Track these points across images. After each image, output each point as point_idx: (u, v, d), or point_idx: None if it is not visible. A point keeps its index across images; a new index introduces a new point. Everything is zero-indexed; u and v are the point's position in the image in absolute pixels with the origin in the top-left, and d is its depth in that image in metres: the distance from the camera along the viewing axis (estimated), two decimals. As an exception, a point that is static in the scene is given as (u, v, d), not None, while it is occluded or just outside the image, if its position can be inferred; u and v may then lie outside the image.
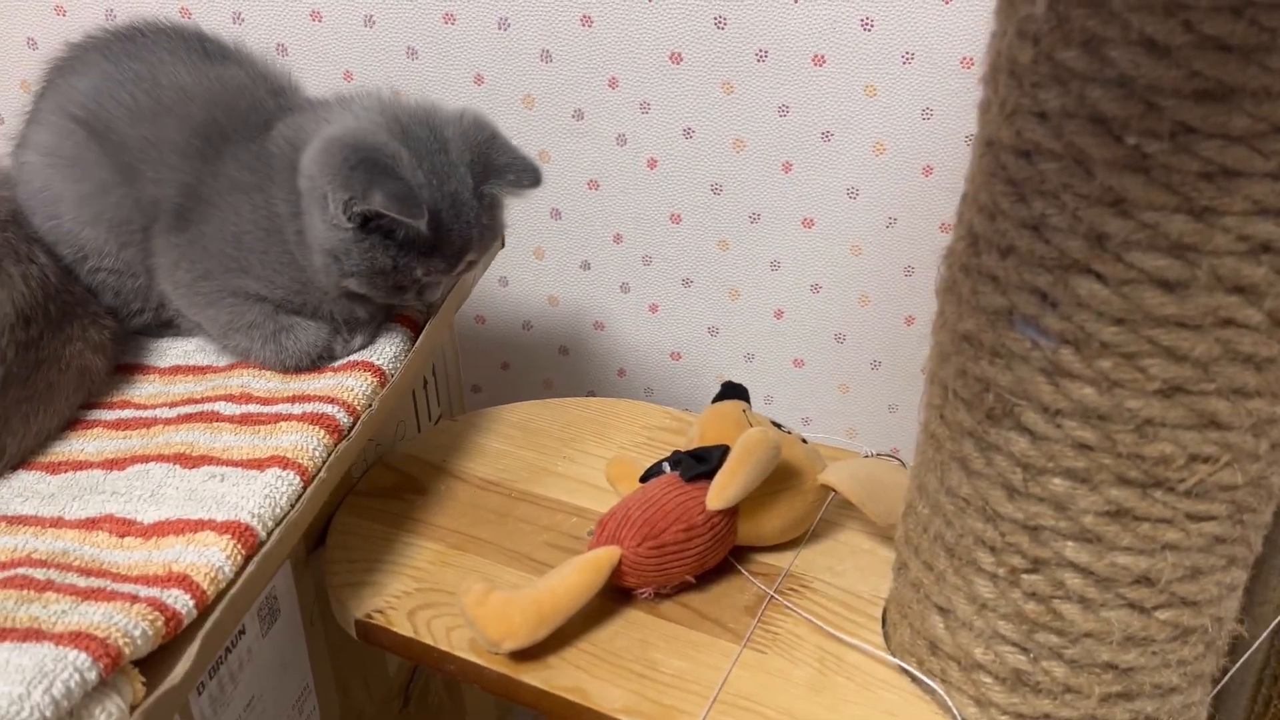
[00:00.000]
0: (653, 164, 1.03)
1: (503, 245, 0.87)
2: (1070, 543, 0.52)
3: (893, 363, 1.07)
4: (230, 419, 0.70)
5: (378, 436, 0.82)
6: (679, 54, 0.97)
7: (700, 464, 0.68)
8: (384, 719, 0.84)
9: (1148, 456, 0.49)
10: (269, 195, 0.71)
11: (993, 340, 0.51)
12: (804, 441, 0.73)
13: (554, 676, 0.62)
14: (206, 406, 0.72)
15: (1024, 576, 0.54)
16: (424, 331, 0.79)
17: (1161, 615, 0.53)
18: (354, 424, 0.70)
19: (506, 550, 0.73)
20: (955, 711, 0.58)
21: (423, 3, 1.00)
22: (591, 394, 1.20)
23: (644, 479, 0.71)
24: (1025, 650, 0.55)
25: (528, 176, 0.72)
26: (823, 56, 0.93)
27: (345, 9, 1.02)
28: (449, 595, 0.68)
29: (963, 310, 0.53)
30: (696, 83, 0.97)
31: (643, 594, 0.67)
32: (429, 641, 0.65)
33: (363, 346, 0.76)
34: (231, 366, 0.77)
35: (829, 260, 1.04)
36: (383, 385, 0.74)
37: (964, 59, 0.90)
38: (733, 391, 0.75)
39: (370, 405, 0.72)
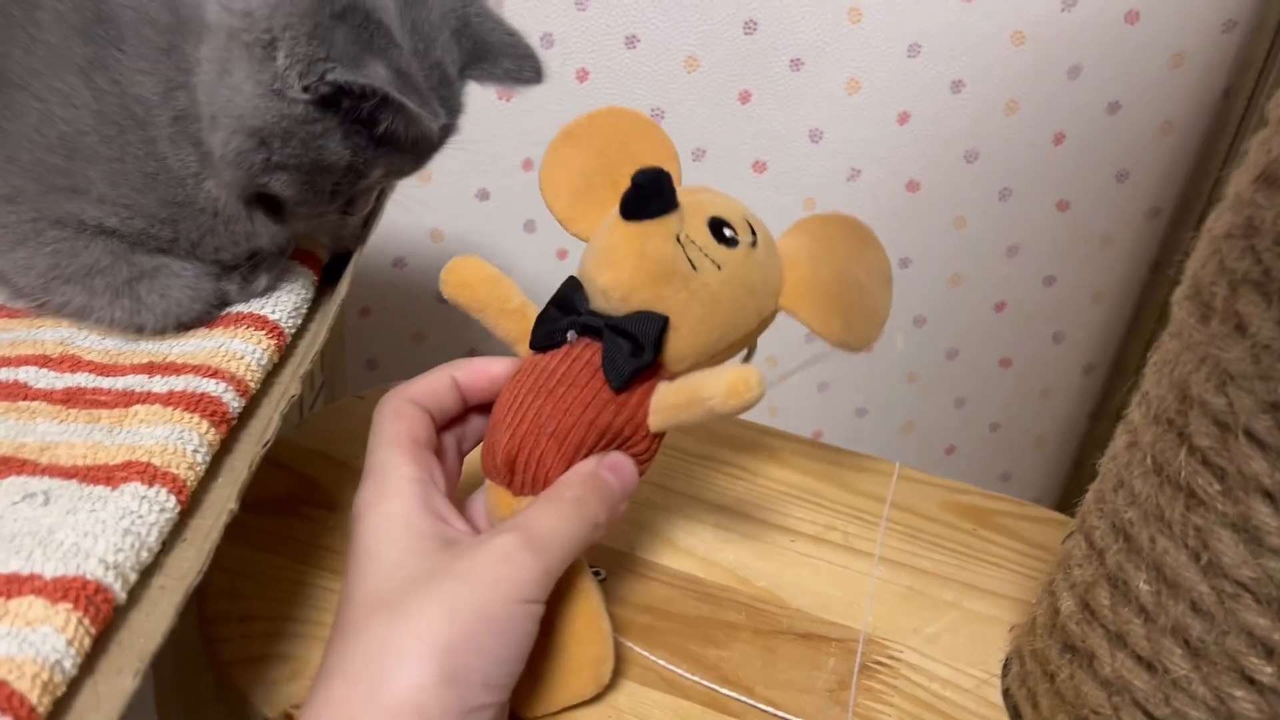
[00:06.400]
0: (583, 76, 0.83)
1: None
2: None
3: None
4: (46, 396, 0.45)
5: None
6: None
7: (634, 357, 0.45)
8: None
9: None
10: (116, 71, 0.45)
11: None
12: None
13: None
14: (5, 374, 0.45)
15: None
16: (350, 266, 0.55)
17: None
18: (243, 407, 0.47)
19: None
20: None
21: None
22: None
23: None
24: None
25: (529, 65, 0.51)
26: None
27: None
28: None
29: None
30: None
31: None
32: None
33: (267, 290, 0.52)
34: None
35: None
36: (280, 349, 0.51)
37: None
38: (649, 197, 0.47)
39: (271, 378, 0.49)
